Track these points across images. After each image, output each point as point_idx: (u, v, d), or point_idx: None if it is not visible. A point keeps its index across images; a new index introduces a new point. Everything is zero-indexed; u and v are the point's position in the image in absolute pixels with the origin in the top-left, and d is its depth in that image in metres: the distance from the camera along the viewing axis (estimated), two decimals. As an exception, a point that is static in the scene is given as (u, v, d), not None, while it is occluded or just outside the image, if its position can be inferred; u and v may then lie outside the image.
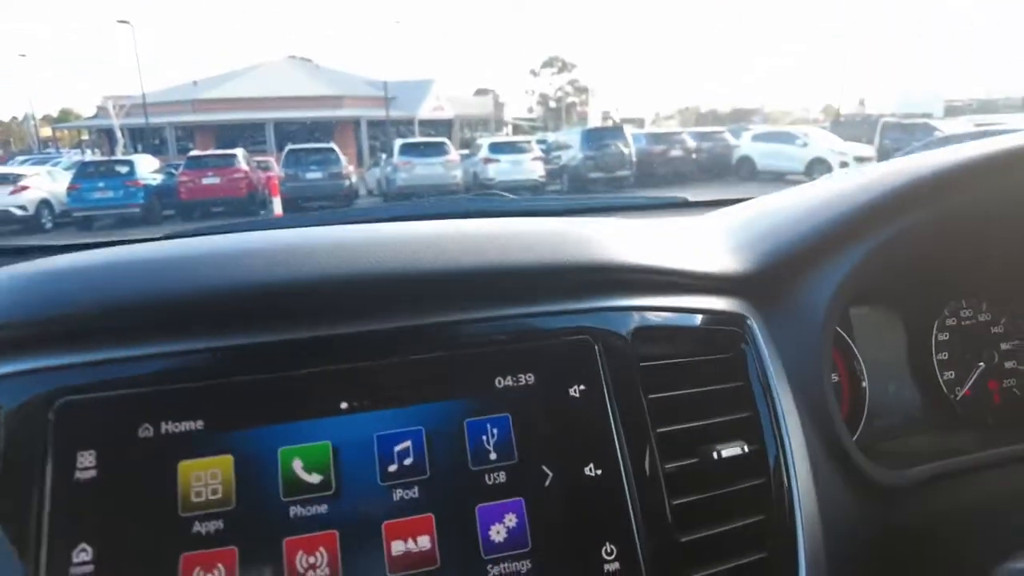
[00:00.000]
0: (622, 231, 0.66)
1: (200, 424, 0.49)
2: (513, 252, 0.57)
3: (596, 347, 0.57)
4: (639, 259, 0.62)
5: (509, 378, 0.54)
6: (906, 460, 0.72)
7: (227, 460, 0.48)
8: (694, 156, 15.27)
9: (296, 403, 0.51)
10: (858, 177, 0.78)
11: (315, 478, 0.49)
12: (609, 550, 0.51)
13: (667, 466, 0.55)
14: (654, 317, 0.61)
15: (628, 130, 15.06)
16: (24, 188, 12.04)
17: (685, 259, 0.65)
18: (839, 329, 0.82)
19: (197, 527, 0.47)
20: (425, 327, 0.54)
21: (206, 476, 0.48)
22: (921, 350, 0.87)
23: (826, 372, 0.69)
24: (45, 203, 12.27)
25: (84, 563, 0.45)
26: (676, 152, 15.01)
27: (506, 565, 0.49)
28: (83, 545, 0.45)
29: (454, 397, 0.53)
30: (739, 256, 0.71)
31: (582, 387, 0.55)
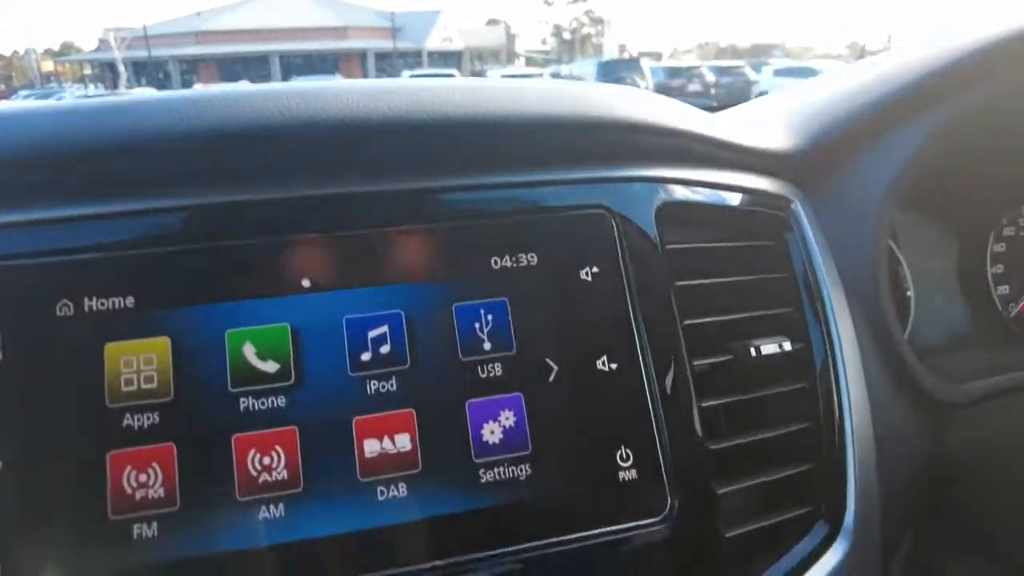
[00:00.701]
0: (648, 95, 0.55)
1: (131, 301, 0.40)
2: (519, 106, 0.47)
3: (614, 223, 0.47)
4: (671, 122, 0.51)
5: (508, 258, 0.45)
6: (959, 376, 0.63)
7: (163, 343, 0.40)
8: (713, 91, 14.77)
9: (247, 278, 0.41)
10: (919, 52, 0.66)
11: (271, 366, 0.41)
12: (625, 455, 0.43)
13: (696, 363, 0.47)
14: (685, 193, 0.51)
15: (645, 63, 14.54)
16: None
17: (724, 130, 0.55)
18: None
19: (128, 420, 0.39)
20: (407, 192, 0.45)
21: (138, 361, 0.40)
22: (974, 261, 0.78)
23: (881, 268, 0.59)
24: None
25: None
26: (694, 87, 14.51)
27: (502, 470, 0.41)
28: None
29: (441, 278, 0.44)
30: (785, 133, 0.60)
31: (595, 270, 0.46)
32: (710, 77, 15.08)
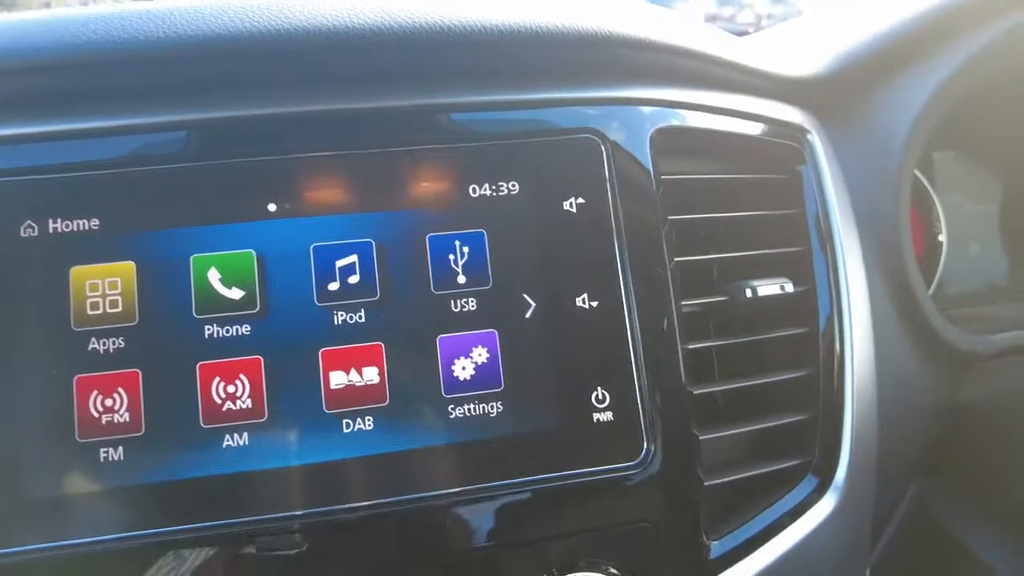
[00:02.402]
0: (650, 8, 0.50)
1: (95, 223, 0.39)
2: (506, 16, 0.43)
3: (603, 149, 0.44)
4: (670, 38, 0.46)
5: (487, 186, 0.42)
6: (985, 327, 0.59)
7: (128, 267, 0.39)
8: (764, 23, 13.99)
9: (212, 202, 0.40)
10: None
11: (236, 293, 0.39)
12: (601, 396, 0.41)
13: (685, 303, 0.44)
14: (687, 118, 0.47)
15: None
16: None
17: (733, 50, 0.50)
18: (917, 172, 0.67)
19: (94, 344, 0.38)
20: (378, 112, 0.42)
21: (103, 285, 0.39)
22: (1018, 208, 0.71)
23: (903, 209, 0.54)
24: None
25: None
26: (745, 17, 13.76)
27: (472, 406, 0.40)
28: None
29: (414, 206, 0.42)
30: (806, 56, 0.55)
31: (579, 200, 0.43)
32: (762, 7, 14.27)
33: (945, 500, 0.60)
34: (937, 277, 0.70)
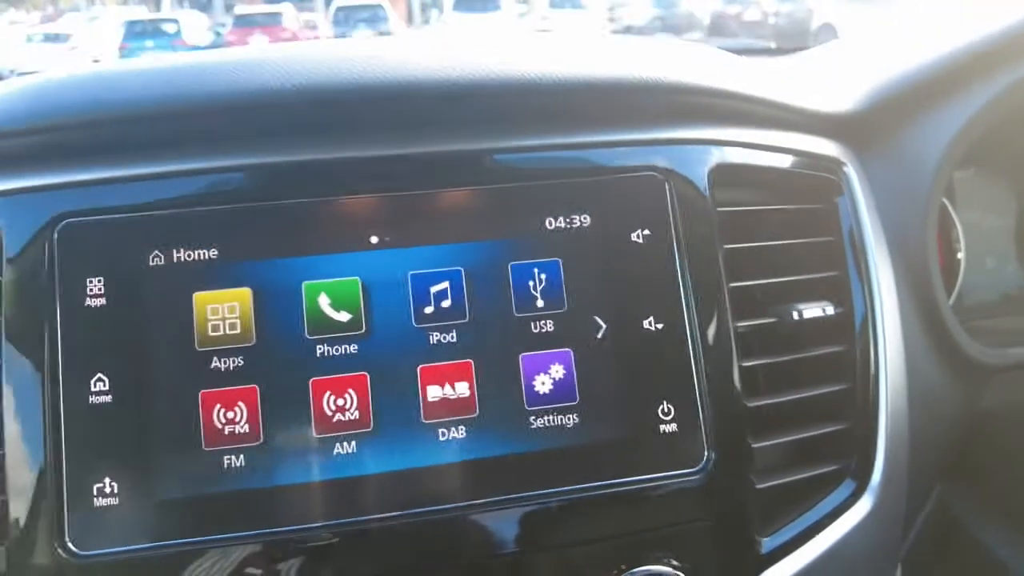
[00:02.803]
0: (701, 51, 0.55)
1: (215, 253, 0.44)
2: (571, 67, 0.47)
3: (667, 186, 0.48)
4: (721, 83, 0.51)
5: (562, 219, 0.47)
6: (1001, 339, 0.64)
7: (245, 293, 0.44)
8: (771, 20, 13.95)
9: (321, 234, 0.45)
10: (985, 10, 0.63)
11: (343, 316, 0.44)
12: (666, 410, 0.46)
13: (739, 324, 0.49)
14: (738, 154, 0.51)
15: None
16: (75, 47, 11.94)
17: (775, 89, 0.54)
18: None
19: (216, 363, 0.43)
20: (467, 154, 0.47)
21: (223, 309, 0.44)
22: None
23: (930, 233, 0.59)
24: (97, 63, 12.14)
25: (101, 392, 0.42)
26: (751, 15, 13.73)
27: (551, 418, 0.45)
28: (99, 375, 0.42)
29: (498, 237, 0.46)
30: (839, 92, 0.59)
31: (647, 232, 0.48)
32: (769, 4, 14.23)
33: (966, 502, 0.65)
34: (956, 289, 0.74)
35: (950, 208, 0.75)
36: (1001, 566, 0.62)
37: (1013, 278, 0.78)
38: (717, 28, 13.05)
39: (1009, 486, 0.66)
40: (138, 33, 12.32)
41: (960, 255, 0.75)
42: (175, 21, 12.85)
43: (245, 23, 12.78)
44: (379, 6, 13.42)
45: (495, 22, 12.69)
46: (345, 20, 13.02)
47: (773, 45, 1.18)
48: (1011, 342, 0.64)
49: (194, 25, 13.24)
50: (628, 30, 13.39)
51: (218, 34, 13.44)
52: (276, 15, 12.91)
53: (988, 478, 0.66)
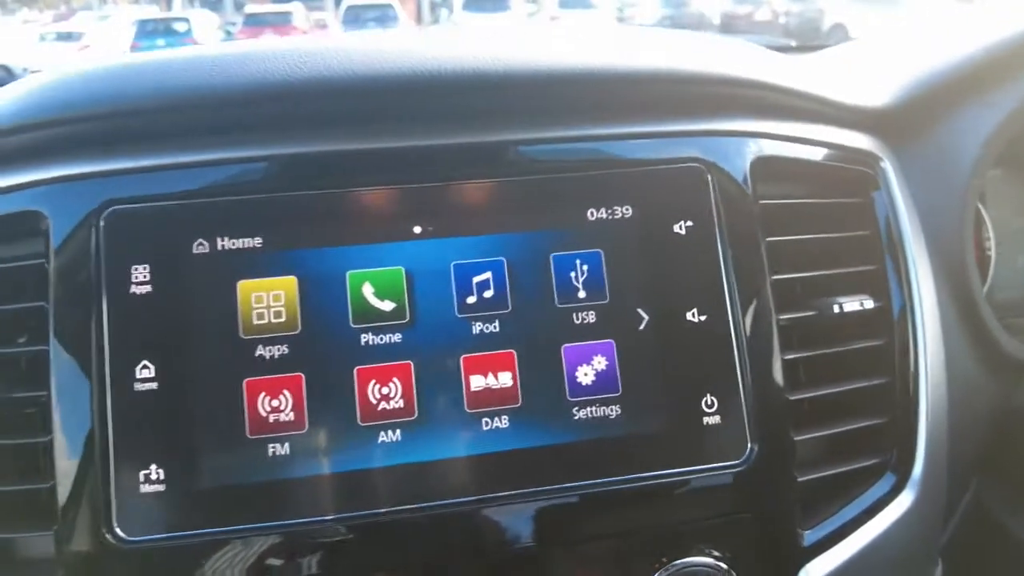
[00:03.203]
0: (741, 45, 0.55)
1: (259, 241, 0.44)
2: (615, 58, 0.47)
3: (709, 177, 0.48)
4: (762, 75, 0.51)
5: (604, 210, 0.47)
6: None
7: (290, 281, 0.44)
8: (782, 20, 13.90)
9: (365, 223, 0.45)
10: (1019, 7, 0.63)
11: (388, 305, 0.44)
12: (710, 402, 0.46)
13: (781, 317, 0.48)
14: (778, 147, 0.51)
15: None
16: (87, 46, 12.02)
17: (814, 83, 0.54)
18: None
19: (260, 351, 0.43)
20: (510, 144, 0.47)
21: (268, 298, 0.44)
22: None
23: (967, 229, 0.59)
24: (110, 62, 12.20)
25: (147, 380, 0.42)
26: (762, 15, 13.68)
27: (593, 409, 0.45)
28: (145, 362, 0.42)
29: (540, 228, 0.46)
30: (876, 87, 0.59)
31: (689, 223, 0.48)
32: (780, 4, 14.17)
33: (1001, 497, 0.64)
34: (987, 286, 0.74)
35: (981, 207, 0.75)
36: None
37: None
38: (727, 28, 13.02)
39: None
40: (149, 32, 12.40)
41: (991, 252, 0.75)
42: (186, 20, 12.93)
43: (256, 22, 12.84)
44: (389, 5, 13.45)
45: (505, 22, 12.70)
46: (355, 19, 13.07)
47: (793, 43, 1.17)
48: None
49: (205, 24, 13.31)
50: (637, 29, 13.36)
51: (228, 33, 13.51)
52: (287, 14, 12.96)
53: (1021, 472, 0.66)
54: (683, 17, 12.75)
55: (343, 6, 13.85)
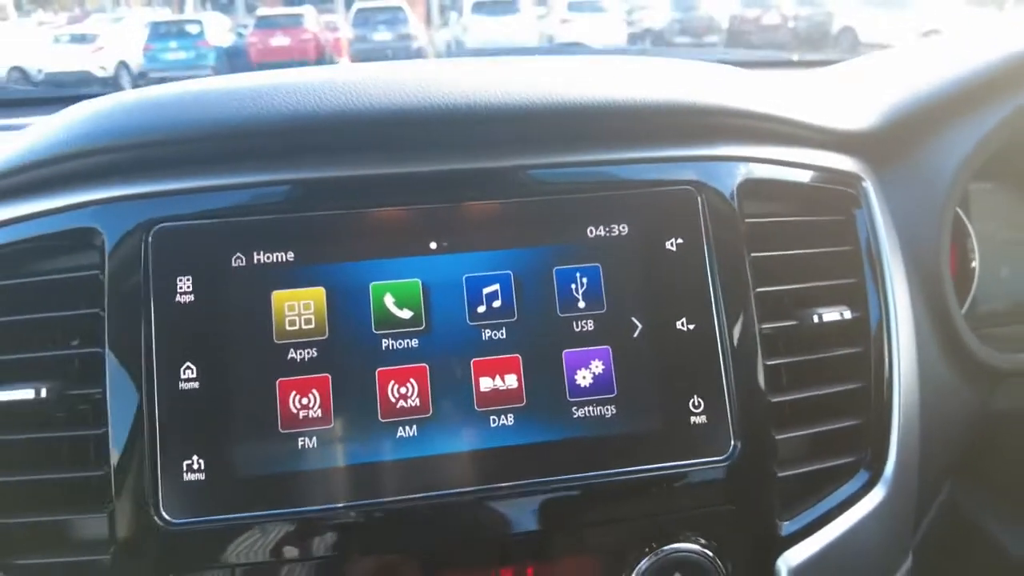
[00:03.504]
0: (730, 73, 0.60)
1: (291, 255, 0.49)
2: (612, 90, 0.52)
3: (699, 199, 0.53)
4: (749, 104, 0.56)
5: (602, 228, 0.52)
6: (1014, 346, 0.67)
7: (319, 292, 0.49)
8: (791, 24, 13.89)
9: (386, 240, 0.50)
10: (996, 34, 0.67)
11: (406, 313, 0.49)
12: (696, 403, 0.50)
13: (764, 326, 0.53)
14: (762, 170, 0.56)
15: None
16: (101, 48, 12.15)
17: (799, 109, 0.59)
18: None
19: (292, 354, 0.48)
20: (516, 169, 0.52)
21: (299, 306, 0.49)
22: None
23: (944, 245, 0.63)
24: (123, 64, 12.37)
25: (190, 380, 0.47)
26: (771, 18, 13.69)
27: (591, 408, 0.49)
28: (188, 364, 0.47)
29: (544, 243, 0.51)
30: (858, 110, 0.63)
31: (680, 241, 0.52)
32: (788, 8, 14.16)
33: (976, 499, 0.68)
34: (970, 298, 0.78)
35: (965, 219, 0.78)
36: (1008, 556, 0.65)
37: None
38: (736, 31, 13.01)
39: (1018, 484, 0.69)
40: (162, 34, 12.53)
41: (974, 264, 0.78)
42: (198, 22, 13.04)
43: (267, 25, 12.94)
44: (399, 8, 13.53)
45: (514, 25, 12.75)
46: (365, 22, 13.15)
47: (795, 57, 1.21)
48: (1019, 348, 0.68)
49: (217, 26, 13.42)
50: (647, 33, 13.39)
51: (240, 35, 13.63)
52: (297, 17, 13.05)
53: (998, 477, 0.70)
54: (692, 20, 12.77)
55: (353, 9, 13.94)
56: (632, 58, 0.61)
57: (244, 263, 0.49)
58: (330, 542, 0.47)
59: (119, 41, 12.72)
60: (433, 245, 0.50)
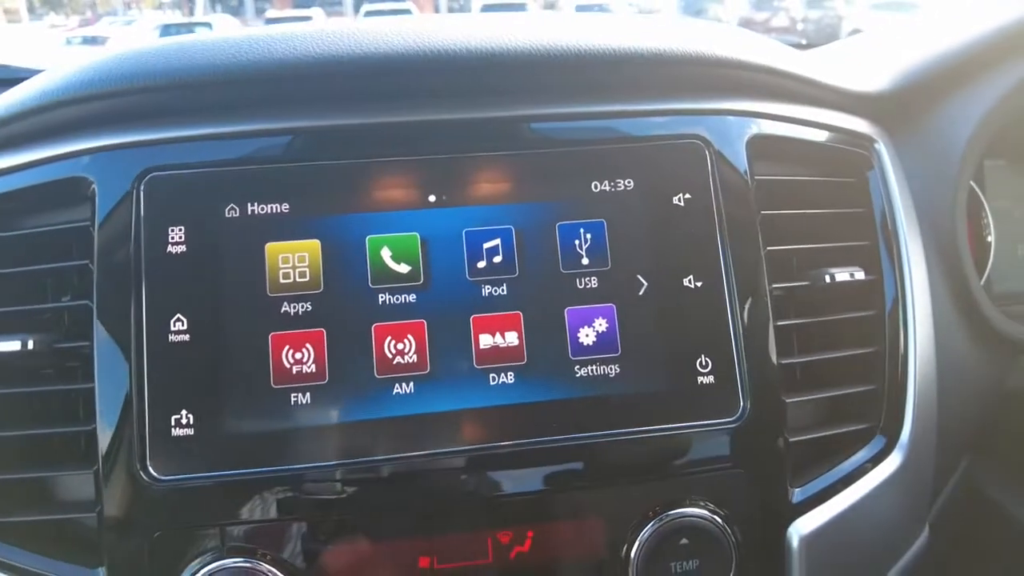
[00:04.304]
0: (745, 32, 0.58)
1: (286, 207, 0.48)
2: (621, 39, 0.50)
3: (708, 154, 0.51)
4: (763, 59, 0.54)
5: (607, 182, 0.50)
6: None
7: (314, 245, 0.47)
8: (799, 26, 13.84)
9: (384, 192, 0.48)
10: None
11: (403, 268, 0.48)
12: (704, 363, 0.48)
13: (775, 286, 0.51)
14: (774, 127, 0.54)
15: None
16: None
17: (813, 68, 0.57)
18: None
19: (285, 307, 0.46)
20: (519, 119, 0.50)
21: (293, 259, 0.47)
22: None
23: (960, 210, 0.61)
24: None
25: (180, 332, 0.46)
26: (779, 21, 13.65)
27: (594, 368, 0.48)
28: (179, 315, 0.46)
29: (547, 199, 0.49)
30: (873, 73, 0.62)
31: (687, 196, 0.50)
32: (797, 11, 14.13)
33: (995, 476, 0.66)
34: (986, 275, 0.76)
35: (980, 195, 0.76)
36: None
37: None
38: (744, 34, 12.92)
39: None
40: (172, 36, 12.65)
41: (990, 239, 0.76)
42: (208, 25, 13.15)
43: (276, 27, 13.01)
44: (407, 11, 13.60)
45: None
46: (374, 25, 13.22)
47: (804, 42, 1.20)
48: None
49: (226, 28, 13.51)
50: (654, 36, 13.33)
51: (249, 38, 13.73)
52: (306, 19, 13.14)
53: (1016, 455, 0.68)
54: (700, 23, 12.75)
55: (361, 11, 14.01)
56: (642, 15, 0.59)
57: (238, 214, 0.47)
58: (322, 501, 0.45)
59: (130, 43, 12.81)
60: (432, 198, 0.48)
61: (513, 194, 0.49)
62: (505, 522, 0.47)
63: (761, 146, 0.53)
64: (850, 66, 0.63)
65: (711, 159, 0.51)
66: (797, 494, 0.50)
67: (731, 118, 0.52)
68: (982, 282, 0.75)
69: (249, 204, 0.47)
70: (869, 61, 0.65)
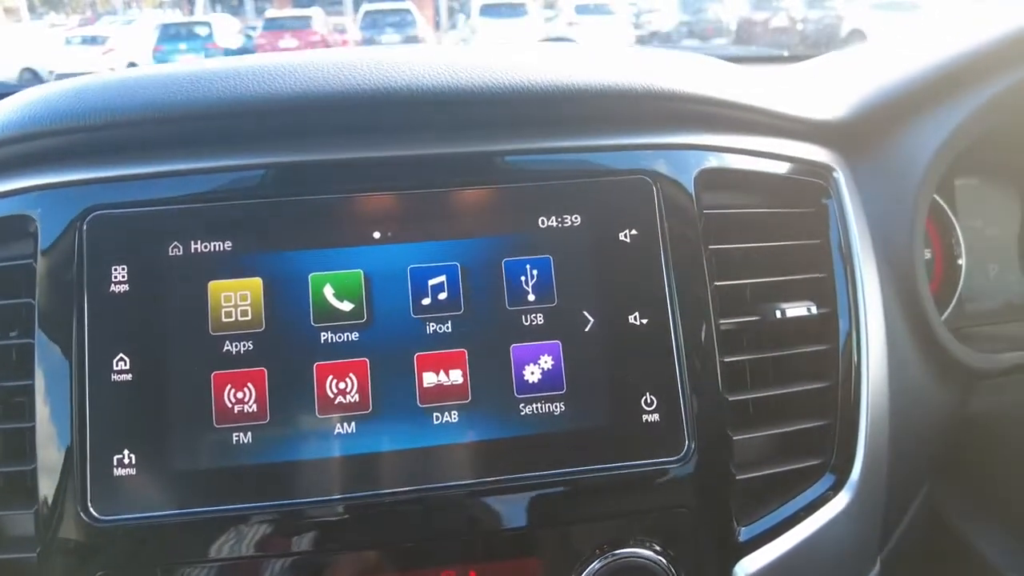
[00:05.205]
0: (695, 60, 0.57)
1: (228, 245, 0.47)
2: (565, 74, 0.50)
3: (655, 189, 0.51)
4: (712, 91, 0.53)
5: (554, 218, 0.50)
6: (997, 345, 0.65)
7: (256, 283, 0.47)
8: (799, 27, 13.82)
9: (327, 229, 0.48)
10: (980, 18, 0.65)
11: (346, 305, 0.47)
12: (649, 401, 0.48)
13: (722, 322, 0.51)
14: (727, 160, 0.54)
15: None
16: (111, 50, 12.25)
17: (767, 97, 0.56)
18: (940, 199, 0.73)
19: (227, 346, 0.46)
20: (465, 156, 0.50)
21: (236, 297, 0.47)
22: None
23: (917, 239, 0.60)
24: (133, 66, 12.37)
25: (123, 371, 0.45)
26: (779, 21, 13.62)
27: (539, 405, 0.47)
28: (121, 355, 0.46)
29: (493, 234, 0.49)
30: (831, 100, 0.61)
31: (634, 232, 0.50)
32: (797, 11, 14.10)
33: (954, 503, 0.66)
34: (956, 296, 0.75)
35: (951, 215, 0.76)
36: (986, 565, 0.63)
37: (1015, 286, 0.78)
38: (744, 34, 12.96)
39: (998, 488, 0.67)
40: (172, 36, 12.63)
41: (961, 261, 0.76)
42: (207, 24, 13.14)
43: (275, 26, 13.01)
44: (407, 11, 13.57)
45: (521, 27, 12.74)
46: (373, 24, 13.20)
47: (786, 53, 1.19)
48: (1006, 348, 0.65)
49: (226, 28, 13.51)
50: (654, 36, 13.36)
51: (249, 37, 13.72)
52: (306, 19, 13.12)
53: (977, 479, 0.67)
54: (700, 23, 12.74)
55: (361, 11, 14.00)
56: (591, 47, 0.59)
57: (181, 252, 0.47)
58: (262, 541, 0.45)
59: (129, 43, 12.82)
60: (376, 234, 0.48)
61: (459, 230, 0.49)
62: (448, 561, 0.47)
63: (712, 179, 0.52)
64: (805, 91, 0.63)
65: (658, 194, 0.50)
66: (744, 532, 0.49)
67: (681, 152, 0.52)
68: (953, 303, 0.75)
69: (192, 242, 0.47)
70: (826, 86, 0.65)
